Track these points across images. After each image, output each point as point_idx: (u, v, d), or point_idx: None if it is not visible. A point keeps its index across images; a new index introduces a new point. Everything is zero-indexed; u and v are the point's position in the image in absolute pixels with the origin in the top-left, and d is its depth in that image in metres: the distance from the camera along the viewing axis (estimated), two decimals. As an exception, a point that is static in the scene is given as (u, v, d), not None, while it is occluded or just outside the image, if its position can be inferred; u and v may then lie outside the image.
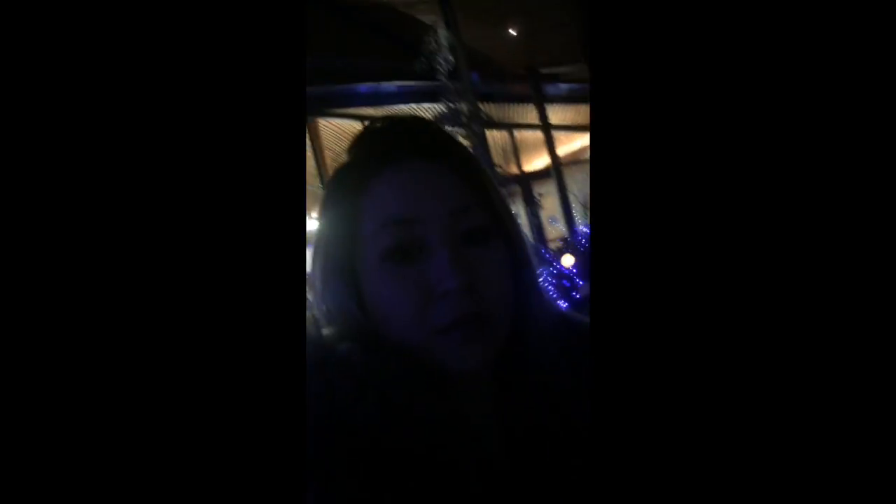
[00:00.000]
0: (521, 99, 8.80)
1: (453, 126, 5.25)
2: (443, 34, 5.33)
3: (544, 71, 8.71)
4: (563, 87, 9.15)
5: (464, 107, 5.28)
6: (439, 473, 0.38)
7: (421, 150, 0.44)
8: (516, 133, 9.40)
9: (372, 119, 0.49)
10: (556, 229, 9.11)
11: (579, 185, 10.24)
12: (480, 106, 5.70)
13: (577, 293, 4.98)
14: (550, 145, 8.59)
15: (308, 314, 0.45)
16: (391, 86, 8.19)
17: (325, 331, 0.45)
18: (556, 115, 9.40)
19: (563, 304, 4.64)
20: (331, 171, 0.51)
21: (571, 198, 9.06)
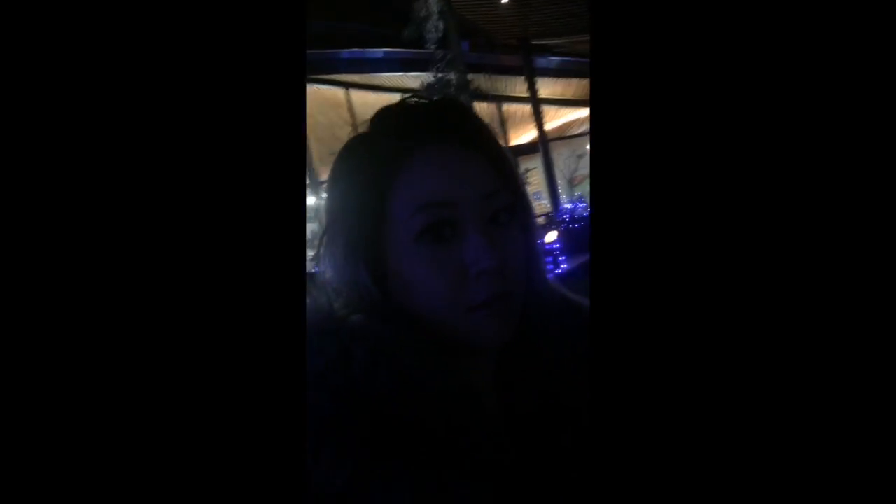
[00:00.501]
0: (511, 71, 8.70)
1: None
2: (433, 1, 5.19)
3: (535, 42, 8.59)
4: (554, 60, 9.06)
5: (453, 77, 5.18)
6: (446, 442, 0.40)
7: (455, 133, 0.45)
8: (504, 106, 9.34)
9: (403, 96, 0.49)
10: (540, 205, 9.17)
11: (565, 160, 10.30)
12: (469, 77, 5.60)
13: (559, 269, 5.02)
14: (538, 119, 8.53)
15: (311, 284, 0.46)
16: (377, 52, 8.05)
17: (336, 304, 0.46)
18: (545, 88, 9.34)
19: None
20: (315, 139, 0.49)
21: (557, 173, 9.09)
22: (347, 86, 8.20)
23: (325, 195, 0.49)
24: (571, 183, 10.22)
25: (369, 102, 8.54)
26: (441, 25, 5.18)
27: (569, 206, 8.10)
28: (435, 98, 0.49)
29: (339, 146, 0.49)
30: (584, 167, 10.52)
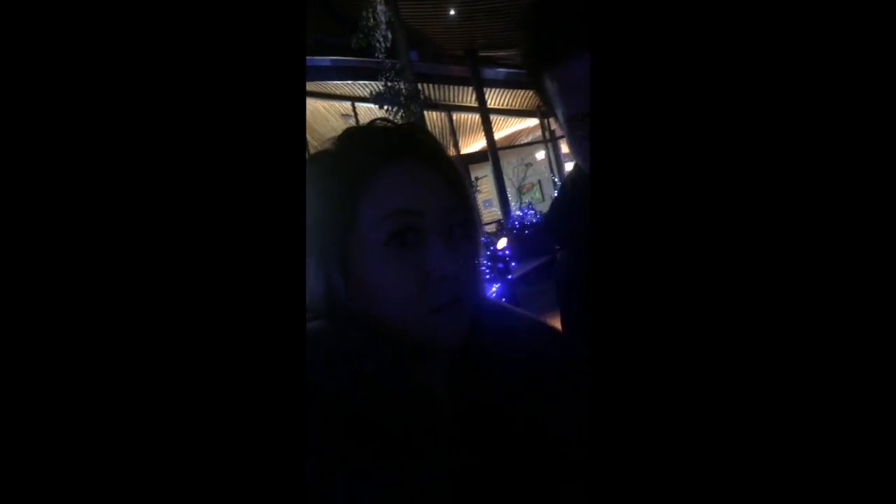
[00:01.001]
0: (460, 81, 8.79)
1: (392, 105, 5.17)
2: (381, 10, 5.20)
3: (483, 54, 8.73)
4: (501, 71, 9.22)
5: (402, 86, 5.19)
6: (404, 441, 0.42)
7: (418, 151, 0.50)
8: (454, 115, 9.41)
9: (371, 120, 0.55)
10: (490, 213, 9.27)
11: (514, 169, 10.46)
12: (419, 87, 5.63)
13: (510, 275, 5.10)
14: (488, 129, 8.65)
15: None
16: (325, 60, 7.95)
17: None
18: (494, 98, 9.48)
19: (497, 284, 4.73)
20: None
21: (507, 181, 9.23)
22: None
23: None
24: (521, 191, 10.41)
25: (319, 110, 8.45)
26: (389, 35, 5.19)
27: (518, 213, 8.24)
28: (399, 122, 0.54)
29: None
30: (532, 175, 10.75)
